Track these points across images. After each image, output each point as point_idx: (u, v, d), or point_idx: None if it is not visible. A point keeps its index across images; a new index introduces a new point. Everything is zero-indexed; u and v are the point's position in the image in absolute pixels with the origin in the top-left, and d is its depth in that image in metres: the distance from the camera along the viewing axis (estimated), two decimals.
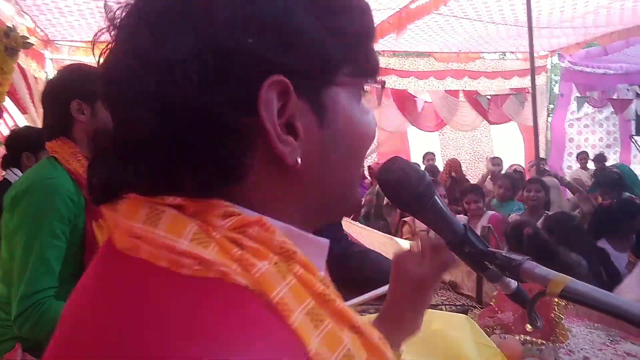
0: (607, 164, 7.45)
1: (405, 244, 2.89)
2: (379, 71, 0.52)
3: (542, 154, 9.24)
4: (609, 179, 4.89)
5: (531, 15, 4.82)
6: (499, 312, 1.74)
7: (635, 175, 6.53)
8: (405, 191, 0.68)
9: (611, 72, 9.31)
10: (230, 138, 0.42)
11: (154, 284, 0.39)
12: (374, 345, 0.45)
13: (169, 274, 0.39)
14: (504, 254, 0.66)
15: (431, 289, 0.81)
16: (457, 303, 2.33)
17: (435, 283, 0.81)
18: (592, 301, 0.56)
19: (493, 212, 4.21)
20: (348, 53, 0.47)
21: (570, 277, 0.58)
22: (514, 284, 0.73)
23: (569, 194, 6.15)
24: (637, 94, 8.33)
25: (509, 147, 9.16)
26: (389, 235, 3.10)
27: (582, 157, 7.78)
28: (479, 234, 0.70)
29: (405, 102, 8.07)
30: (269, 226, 0.42)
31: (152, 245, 0.40)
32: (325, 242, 0.51)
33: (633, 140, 9.61)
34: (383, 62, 8.16)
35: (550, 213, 3.74)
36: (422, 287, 0.79)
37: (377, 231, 3.33)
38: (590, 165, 7.65)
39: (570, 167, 8.83)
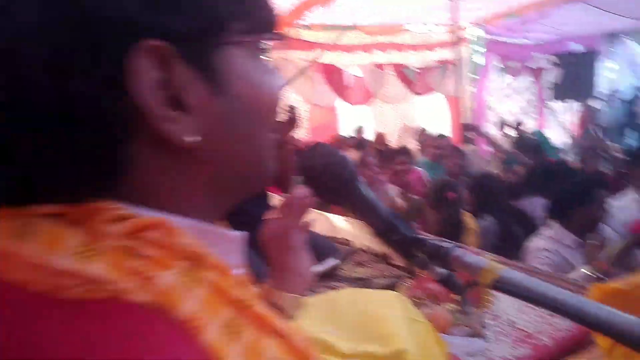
0: (526, 130, 7.86)
1: (337, 220, 2.90)
2: (277, 24, 0.45)
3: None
4: (528, 145, 5.17)
5: None
6: (428, 282, 1.80)
7: (547, 140, 6.94)
8: (328, 180, 0.65)
9: (528, 42, 9.79)
10: (103, 124, 0.34)
11: (24, 316, 0.31)
12: (299, 349, 0.41)
13: (45, 300, 0.31)
14: (431, 241, 0.63)
15: (295, 248, 0.81)
16: (388, 274, 2.38)
17: (294, 241, 0.81)
18: (526, 292, 0.53)
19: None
20: (238, 6, 0.40)
21: (503, 266, 0.55)
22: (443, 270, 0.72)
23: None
24: (554, 62, 8.79)
25: (435, 117, 9.45)
26: (320, 211, 3.09)
27: (503, 124, 8.15)
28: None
29: (334, 76, 8.05)
30: (171, 227, 0.36)
31: (20, 265, 0.32)
32: (240, 235, 0.46)
33: (549, 106, 10.24)
34: (312, 36, 8.07)
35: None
36: (283, 247, 0.80)
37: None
38: (510, 132, 8.03)
39: (492, 134, 9.26)
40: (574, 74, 8.76)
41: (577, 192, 2.41)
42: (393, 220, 0.66)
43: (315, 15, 7.30)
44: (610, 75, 12.69)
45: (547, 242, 2.41)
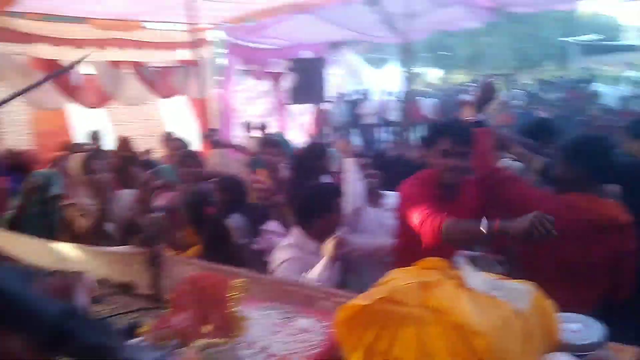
0: (269, 132, 8.20)
1: (67, 249, 2.42)
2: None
3: (214, 125, 9.61)
4: (272, 144, 5.31)
5: None
6: (172, 316, 1.56)
7: (287, 142, 7.36)
8: None
9: (267, 46, 10.27)
10: None
11: None
12: None
13: None
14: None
15: None
16: (133, 308, 2.05)
17: None
18: None
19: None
20: None
21: None
22: None
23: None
24: (288, 68, 9.37)
25: (180, 120, 9.14)
26: (46, 240, 2.56)
27: (248, 126, 8.34)
28: None
29: (60, 74, 6.98)
30: None
31: None
32: None
33: (288, 109, 10.95)
34: (27, 26, 6.87)
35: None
36: None
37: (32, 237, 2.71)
38: (255, 134, 8.27)
39: (238, 137, 9.41)
40: (305, 79, 9.49)
41: (317, 202, 2.45)
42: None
43: (31, 3, 6.24)
44: (336, 81, 14.37)
45: (288, 252, 2.38)
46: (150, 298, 2.12)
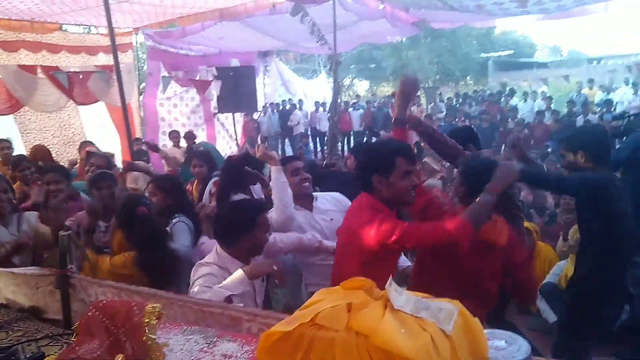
0: (197, 141, 7.98)
1: None
2: None
3: (137, 134, 9.22)
4: (201, 154, 5.09)
5: None
6: (80, 345, 1.43)
7: (218, 151, 7.20)
8: None
9: (192, 53, 10.03)
10: None
11: None
12: None
13: None
14: None
15: None
16: (40, 335, 1.88)
17: None
18: None
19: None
20: None
21: None
22: None
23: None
24: (214, 75, 9.19)
25: (101, 128, 8.69)
26: None
27: (174, 135, 8.06)
28: None
29: None
30: None
31: None
32: None
33: (217, 118, 10.73)
34: None
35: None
36: None
37: None
38: (183, 143, 8.01)
39: (165, 146, 9.07)
40: (233, 88, 9.35)
41: (239, 219, 2.25)
42: None
43: None
44: (266, 90, 14.33)
45: (206, 269, 2.21)
46: (60, 324, 1.96)
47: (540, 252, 4.15)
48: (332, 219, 2.92)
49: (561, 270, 3.73)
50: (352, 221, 2.14)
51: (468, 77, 26.85)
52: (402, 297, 0.95)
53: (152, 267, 2.51)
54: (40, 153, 5.63)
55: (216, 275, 2.16)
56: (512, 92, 14.74)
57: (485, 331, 1.00)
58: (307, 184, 3.01)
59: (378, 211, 2.03)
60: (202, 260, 2.32)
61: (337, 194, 3.12)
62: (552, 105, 11.84)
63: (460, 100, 15.56)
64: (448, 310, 0.92)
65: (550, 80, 16.78)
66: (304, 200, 2.98)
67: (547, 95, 12.65)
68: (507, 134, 9.75)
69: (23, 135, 7.52)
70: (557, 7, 5.37)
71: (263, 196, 3.69)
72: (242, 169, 3.50)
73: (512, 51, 24.94)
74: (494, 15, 7.90)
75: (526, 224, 3.65)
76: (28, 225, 2.99)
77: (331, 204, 3.03)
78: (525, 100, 12.84)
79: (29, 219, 3.05)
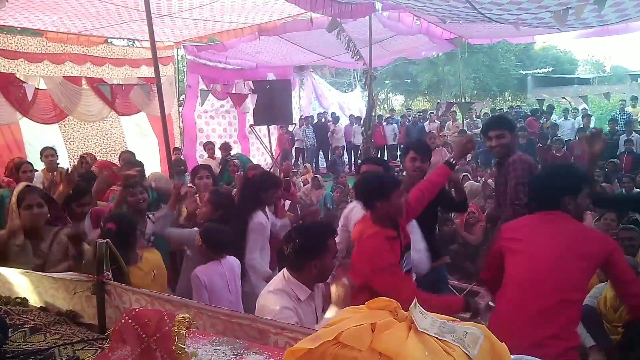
0: (232, 152, 8.11)
1: (12, 276, 2.28)
2: None
3: (176, 144, 9.45)
4: (206, 167, 5.07)
5: (149, 1, 4.61)
6: (113, 352, 1.47)
7: (249, 161, 7.29)
8: None
9: (230, 67, 10.25)
10: None
11: None
12: None
13: None
14: None
15: None
16: (75, 339, 1.93)
17: None
18: None
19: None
20: None
21: None
22: None
23: None
24: (251, 88, 9.34)
25: (141, 137, 8.95)
26: None
27: (209, 147, 8.21)
28: None
29: (12, 88, 6.71)
30: None
31: None
32: None
33: (254, 130, 10.87)
34: None
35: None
36: None
37: None
38: (218, 154, 8.17)
39: (202, 156, 9.27)
40: (269, 101, 9.49)
41: (311, 244, 2.13)
42: None
43: None
44: (301, 102, 14.45)
45: (285, 308, 2.07)
46: (94, 328, 2.01)
47: None
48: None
49: (600, 292, 3.60)
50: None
51: (506, 93, 26.39)
52: (427, 320, 0.94)
53: None
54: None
55: (291, 308, 2.08)
56: (551, 109, 14.36)
57: (513, 357, 0.99)
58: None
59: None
60: (270, 288, 2.20)
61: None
62: (593, 123, 11.48)
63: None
64: (474, 335, 0.91)
65: (592, 97, 16.31)
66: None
67: (588, 112, 12.28)
68: (546, 151, 9.51)
69: (67, 143, 7.82)
70: (598, 21, 5.20)
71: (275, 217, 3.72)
72: (261, 188, 3.50)
73: (551, 68, 24.39)
74: (534, 30, 7.76)
75: None
76: (59, 244, 2.79)
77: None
78: (566, 118, 12.48)
79: (61, 238, 2.81)
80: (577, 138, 10.22)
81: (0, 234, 2.70)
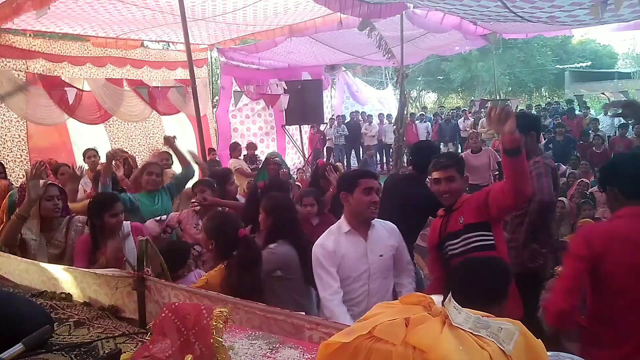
0: (267, 150, 8.18)
1: (56, 271, 2.38)
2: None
3: (212, 144, 9.61)
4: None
5: (183, 5, 4.72)
6: (154, 344, 1.52)
7: (284, 161, 7.38)
8: None
9: (263, 67, 10.35)
10: None
11: None
12: None
13: None
14: None
15: None
16: (117, 332, 2.00)
17: None
18: None
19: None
20: None
21: None
22: None
23: None
24: (283, 88, 9.42)
25: (181, 137, 9.14)
26: (34, 261, 2.51)
27: (234, 147, 8.19)
28: None
29: (58, 90, 6.97)
30: None
31: None
32: None
33: (285, 129, 11.00)
34: (26, 43, 6.89)
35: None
36: None
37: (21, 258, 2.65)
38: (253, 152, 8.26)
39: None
40: (301, 101, 9.54)
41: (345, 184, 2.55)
42: None
43: (29, 20, 6.26)
44: (333, 102, 14.46)
45: (322, 238, 2.55)
46: (135, 323, 2.08)
47: None
48: (381, 256, 2.56)
49: None
50: None
51: (542, 89, 25.75)
52: (461, 315, 0.95)
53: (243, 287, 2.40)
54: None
55: (327, 243, 2.54)
56: (586, 104, 13.89)
57: (549, 353, 0.98)
58: (374, 208, 2.55)
59: None
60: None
61: (393, 225, 2.72)
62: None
63: (534, 112, 14.95)
64: (509, 330, 0.91)
65: (633, 92, 15.72)
66: (362, 225, 2.58)
67: None
68: (586, 148, 9.21)
69: (112, 143, 8.07)
70: (635, 15, 5.00)
71: None
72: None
73: (589, 63, 23.62)
74: (568, 27, 7.56)
75: None
76: (75, 231, 3.04)
77: (388, 236, 2.64)
78: (605, 113, 12.06)
79: (76, 225, 3.07)
80: (617, 134, 9.88)
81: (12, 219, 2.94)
